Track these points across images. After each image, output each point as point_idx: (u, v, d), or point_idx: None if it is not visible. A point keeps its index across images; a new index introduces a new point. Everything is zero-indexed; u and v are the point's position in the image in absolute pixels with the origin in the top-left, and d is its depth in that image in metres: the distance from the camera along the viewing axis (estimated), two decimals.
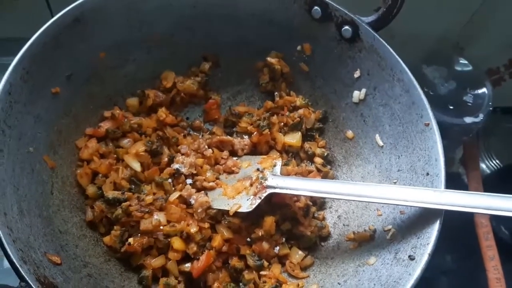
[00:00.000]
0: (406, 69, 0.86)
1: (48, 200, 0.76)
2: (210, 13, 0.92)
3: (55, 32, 0.79)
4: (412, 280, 0.71)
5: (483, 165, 1.35)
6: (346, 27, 0.90)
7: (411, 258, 0.74)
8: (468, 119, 1.13)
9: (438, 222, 0.75)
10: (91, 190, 0.83)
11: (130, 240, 0.79)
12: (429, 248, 0.73)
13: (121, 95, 0.93)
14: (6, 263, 0.89)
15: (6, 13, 1.06)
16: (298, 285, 0.82)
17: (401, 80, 0.86)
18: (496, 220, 1.17)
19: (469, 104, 1.15)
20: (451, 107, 1.13)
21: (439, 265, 1.18)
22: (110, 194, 0.82)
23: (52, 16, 0.99)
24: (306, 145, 0.96)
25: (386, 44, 0.88)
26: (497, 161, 1.35)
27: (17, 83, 0.73)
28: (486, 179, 1.27)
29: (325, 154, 0.96)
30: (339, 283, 0.81)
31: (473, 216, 1.12)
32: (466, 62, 1.20)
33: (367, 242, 0.84)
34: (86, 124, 0.88)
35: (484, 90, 1.16)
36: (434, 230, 0.74)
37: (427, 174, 0.81)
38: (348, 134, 0.96)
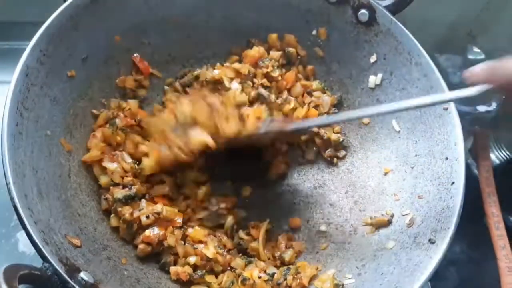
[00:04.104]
0: (424, 52, 0.86)
1: (66, 183, 0.76)
2: None
3: (72, 13, 0.78)
4: (433, 264, 0.71)
5: (492, 156, 1.34)
6: (363, 10, 0.90)
7: (432, 241, 0.74)
8: (481, 108, 1.13)
9: (459, 205, 0.75)
10: (104, 180, 0.81)
11: (141, 246, 0.78)
12: (450, 232, 0.73)
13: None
14: (20, 247, 0.88)
15: None
16: (317, 268, 0.82)
17: (419, 64, 0.86)
18: (505, 210, 1.17)
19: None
20: None
21: (448, 255, 1.18)
22: (119, 193, 0.79)
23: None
24: (322, 130, 0.95)
25: (403, 28, 0.88)
26: (507, 152, 1.34)
27: (34, 65, 0.73)
28: (495, 169, 1.27)
29: (341, 139, 0.95)
30: (357, 267, 0.80)
31: (483, 206, 1.12)
32: (479, 50, 1.19)
33: (384, 227, 0.84)
34: (102, 107, 0.86)
35: None
36: (454, 214, 0.75)
37: (446, 158, 0.81)
38: (363, 120, 0.95)
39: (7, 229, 0.90)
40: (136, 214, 0.77)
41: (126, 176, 0.81)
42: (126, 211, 0.77)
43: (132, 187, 0.80)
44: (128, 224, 0.77)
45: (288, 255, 0.83)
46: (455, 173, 0.78)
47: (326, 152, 0.95)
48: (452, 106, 0.83)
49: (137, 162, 0.83)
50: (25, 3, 1.05)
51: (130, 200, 0.79)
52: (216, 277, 0.78)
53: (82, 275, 0.62)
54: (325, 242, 0.87)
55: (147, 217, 0.77)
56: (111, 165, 0.81)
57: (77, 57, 0.81)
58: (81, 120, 0.82)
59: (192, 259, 0.77)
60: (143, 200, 0.80)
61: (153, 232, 0.77)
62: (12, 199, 0.62)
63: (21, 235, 0.89)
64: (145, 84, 0.92)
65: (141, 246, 0.77)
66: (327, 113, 0.97)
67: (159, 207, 0.78)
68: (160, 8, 0.90)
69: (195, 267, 0.77)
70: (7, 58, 1.02)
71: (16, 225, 0.90)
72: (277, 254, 0.84)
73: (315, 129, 0.95)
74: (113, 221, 0.79)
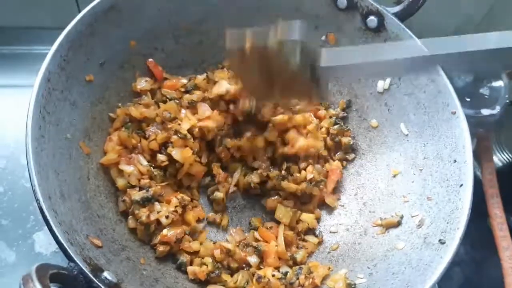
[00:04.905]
0: None
1: (85, 185, 0.78)
2: (239, 1, 0.94)
3: (91, 20, 0.80)
4: (444, 264, 0.72)
5: (495, 158, 1.36)
6: (372, 17, 0.92)
7: (442, 242, 0.76)
8: (485, 111, 1.15)
9: (468, 207, 0.77)
10: (121, 182, 0.83)
11: (160, 248, 0.80)
12: (459, 233, 0.75)
13: None
14: (37, 248, 0.90)
15: (35, 2, 1.07)
16: (329, 268, 0.84)
17: None
18: (508, 212, 1.19)
19: (486, 96, 1.17)
20: (468, 99, 1.15)
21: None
22: (137, 195, 0.81)
23: (78, 5, 1.01)
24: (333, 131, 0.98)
25: (412, 34, 0.90)
26: (510, 154, 1.36)
27: (55, 71, 0.75)
28: (498, 172, 1.29)
29: (351, 142, 0.97)
30: (368, 267, 0.82)
31: (486, 208, 1.14)
32: None
33: (394, 228, 0.85)
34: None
35: (500, 82, 1.18)
36: (464, 215, 0.76)
37: (455, 161, 0.83)
38: (372, 123, 0.97)
39: (24, 230, 0.91)
40: (153, 217, 0.79)
41: (143, 179, 0.83)
42: (143, 213, 0.79)
43: (149, 189, 0.81)
44: (145, 225, 0.79)
45: (300, 255, 0.85)
46: (463, 175, 0.80)
47: (336, 155, 0.98)
48: (460, 110, 0.85)
49: (153, 165, 0.85)
50: (42, 9, 1.06)
51: (147, 202, 0.80)
52: (231, 276, 0.80)
53: (106, 274, 0.63)
54: (336, 243, 0.90)
55: (167, 217, 0.79)
56: (127, 168, 0.83)
57: (95, 62, 0.83)
58: (98, 123, 0.84)
59: (209, 259, 0.80)
60: (156, 203, 0.81)
61: (170, 232, 0.79)
62: (37, 201, 0.63)
63: (38, 236, 0.91)
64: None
65: (160, 248, 0.79)
66: (337, 116, 0.99)
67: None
68: (174, 15, 0.92)
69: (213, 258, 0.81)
70: (26, 62, 1.04)
71: (32, 226, 0.91)
72: (289, 254, 0.86)
73: (325, 133, 0.98)
74: (131, 223, 0.81)
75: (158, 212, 0.80)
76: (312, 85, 0.75)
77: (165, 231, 0.79)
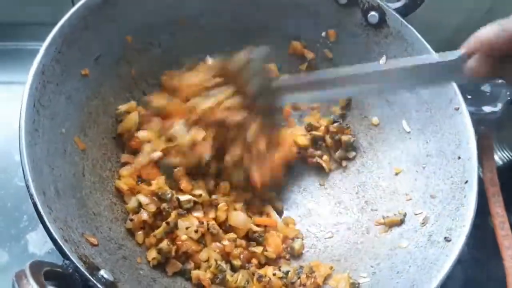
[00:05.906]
0: (435, 54, 0.86)
1: (81, 182, 0.75)
2: None
3: (85, 13, 0.78)
4: (450, 261, 0.71)
5: (495, 157, 1.35)
6: (373, 13, 0.90)
7: (447, 239, 0.74)
8: (487, 108, 1.14)
9: (473, 203, 0.75)
10: (132, 205, 0.79)
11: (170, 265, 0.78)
12: (465, 230, 0.73)
13: (145, 78, 0.93)
14: (30, 248, 0.87)
15: None
16: (331, 267, 0.82)
17: None
18: (509, 211, 1.18)
19: (487, 93, 1.16)
20: (469, 97, 1.14)
21: None
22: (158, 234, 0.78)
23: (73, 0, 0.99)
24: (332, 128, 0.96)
25: (414, 30, 0.88)
26: (511, 152, 1.35)
27: (50, 63, 0.72)
28: (498, 170, 1.28)
29: (352, 140, 0.95)
30: (371, 266, 0.80)
31: (488, 206, 1.13)
32: None
33: (397, 226, 0.84)
34: (113, 106, 0.87)
35: (502, 80, 1.17)
36: (469, 212, 0.75)
37: (459, 157, 0.81)
38: (373, 121, 0.96)
39: (17, 230, 0.88)
40: (183, 237, 0.77)
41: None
42: (165, 245, 0.76)
43: (170, 221, 0.77)
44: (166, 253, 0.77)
45: (298, 243, 0.85)
46: (468, 172, 0.79)
47: (336, 153, 0.96)
48: (463, 107, 0.83)
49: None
50: (35, 4, 1.04)
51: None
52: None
53: (102, 272, 0.61)
54: (338, 242, 0.88)
55: (196, 231, 0.77)
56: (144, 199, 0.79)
57: (90, 56, 0.81)
58: (94, 118, 0.82)
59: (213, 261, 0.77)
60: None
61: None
62: (31, 196, 0.61)
63: (31, 236, 0.88)
64: None
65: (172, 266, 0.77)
66: (334, 113, 0.97)
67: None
68: (170, 10, 0.90)
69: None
70: (19, 59, 1.02)
71: (26, 226, 0.89)
72: (285, 246, 0.85)
73: (324, 131, 0.96)
74: (150, 255, 0.77)
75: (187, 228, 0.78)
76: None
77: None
